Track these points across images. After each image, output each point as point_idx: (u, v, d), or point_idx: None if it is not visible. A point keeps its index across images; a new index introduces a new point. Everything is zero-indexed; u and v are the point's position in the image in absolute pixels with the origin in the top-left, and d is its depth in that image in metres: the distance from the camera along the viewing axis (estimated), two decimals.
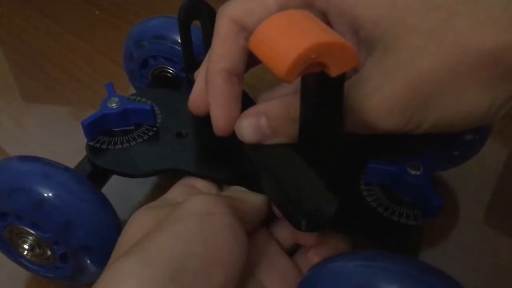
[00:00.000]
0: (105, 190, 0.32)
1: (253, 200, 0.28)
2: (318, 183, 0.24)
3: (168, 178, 0.36)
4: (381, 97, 0.22)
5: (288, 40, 0.18)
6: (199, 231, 0.23)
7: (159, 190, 0.38)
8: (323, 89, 0.21)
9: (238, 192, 0.29)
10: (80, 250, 0.28)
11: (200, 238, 0.23)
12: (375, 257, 0.22)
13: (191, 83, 0.32)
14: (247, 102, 0.29)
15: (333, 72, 0.19)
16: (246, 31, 0.27)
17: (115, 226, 0.29)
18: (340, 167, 0.28)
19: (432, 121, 0.22)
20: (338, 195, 0.23)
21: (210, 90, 0.27)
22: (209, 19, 0.31)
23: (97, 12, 0.60)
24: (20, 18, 0.60)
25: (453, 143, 0.33)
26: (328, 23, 0.25)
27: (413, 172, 0.27)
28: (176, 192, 0.29)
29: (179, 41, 0.35)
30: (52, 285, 0.33)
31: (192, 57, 0.32)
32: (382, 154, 0.29)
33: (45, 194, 0.27)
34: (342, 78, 0.20)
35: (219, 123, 0.27)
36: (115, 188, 0.34)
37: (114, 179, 0.33)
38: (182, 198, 0.28)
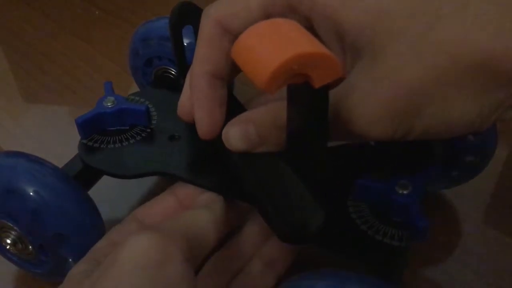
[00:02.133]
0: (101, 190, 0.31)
1: (204, 229, 0.25)
2: (306, 194, 0.23)
3: (160, 180, 0.36)
4: (369, 106, 0.22)
5: (269, 50, 0.18)
6: None
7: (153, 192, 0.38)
8: (307, 99, 0.21)
9: (187, 219, 0.25)
10: (54, 239, 0.28)
11: None
12: (349, 279, 0.21)
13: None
14: (236, 107, 0.29)
15: (316, 83, 0.19)
16: (230, 33, 0.26)
17: (90, 218, 0.29)
18: (328, 179, 0.27)
19: (420, 129, 0.22)
20: (323, 209, 0.23)
21: (194, 93, 0.27)
22: None
23: (97, 12, 0.60)
24: (20, 18, 0.60)
25: (452, 163, 0.32)
26: (313, 29, 0.25)
27: (400, 191, 0.26)
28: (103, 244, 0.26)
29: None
30: (49, 284, 0.33)
31: (185, 62, 0.32)
32: (374, 170, 0.28)
33: (15, 184, 0.27)
34: (326, 88, 0.20)
35: (203, 126, 0.27)
36: (111, 188, 0.34)
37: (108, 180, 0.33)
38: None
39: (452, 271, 0.33)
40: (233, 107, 0.28)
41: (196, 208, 0.26)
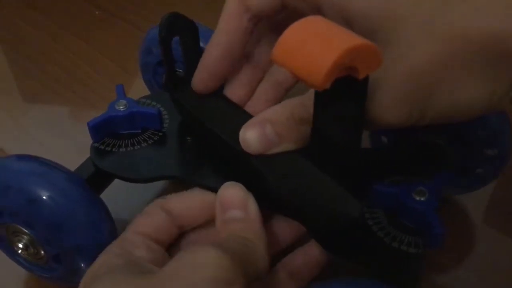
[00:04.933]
0: (111, 193, 0.31)
1: (259, 258, 0.24)
2: (337, 188, 0.23)
3: (173, 184, 0.36)
4: (382, 91, 0.22)
5: (319, 47, 0.18)
6: None
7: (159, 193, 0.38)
8: (349, 92, 0.21)
9: (243, 247, 0.24)
10: (72, 251, 0.28)
11: None
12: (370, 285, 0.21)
13: (174, 102, 0.32)
14: (242, 114, 0.29)
15: (361, 74, 0.19)
16: (250, 11, 0.27)
17: (108, 228, 0.29)
18: (359, 172, 0.26)
19: (434, 112, 0.22)
20: (358, 199, 0.23)
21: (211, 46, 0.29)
22: (191, 33, 0.30)
23: (97, 12, 0.60)
24: (20, 18, 0.60)
25: (472, 161, 0.32)
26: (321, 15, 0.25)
27: (417, 198, 0.26)
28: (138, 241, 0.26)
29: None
30: (52, 286, 0.33)
31: (175, 74, 0.32)
32: (390, 176, 0.28)
33: (38, 193, 0.27)
34: (367, 79, 0.20)
35: (207, 69, 0.29)
36: (121, 190, 0.34)
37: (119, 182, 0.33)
38: (151, 254, 0.25)
39: (453, 271, 0.33)
40: (240, 115, 0.28)
41: (254, 236, 0.25)
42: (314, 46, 0.18)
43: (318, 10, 0.25)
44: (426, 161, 0.30)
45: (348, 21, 0.24)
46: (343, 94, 0.21)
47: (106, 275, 0.22)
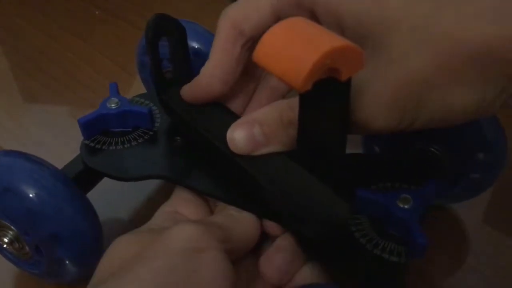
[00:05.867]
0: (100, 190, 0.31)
1: (244, 227, 0.26)
2: (325, 189, 0.23)
3: (163, 184, 0.36)
4: (373, 97, 0.22)
5: (300, 48, 0.18)
6: (184, 269, 0.21)
7: (153, 199, 0.38)
8: (331, 93, 0.20)
9: (228, 217, 0.27)
10: (49, 239, 0.28)
11: (184, 277, 0.21)
12: None
13: (162, 103, 0.32)
14: (230, 116, 0.29)
15: (344, 76, 0.19)
16: (244, 36, 0.27)
17: (86, 216, 0.29)
18: (340, 179, 0.26)
19: (425, 117, 0.22)
20: (346, 200, 0.23)
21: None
22: (178, 35, 0.30)
23: (97, 12, 0.60)
24: (20, 18, 0.60)
25: (457, 179, 0.32)
26: (317, 22, 0.25)
27: (401, 205, 0.25)
28: (159, 219, 0.28)
29: (197, 50, 0.35)
30: (52, 285, 0.33)
31: (162, 76, 0.31)
32: (380, 182, 0.28)
33: (12, 183, 0.27)
34: (349, 81, 0.20)
35: (213, 74, 0.28)
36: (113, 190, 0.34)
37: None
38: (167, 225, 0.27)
39: (453, 271, 0.33)
40: (229, 117, 0.28)
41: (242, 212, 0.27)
42: (295, 47, 0.18)
43: (314, 19, 0.24)
44: (418, 168, 0.30)
45: (341, 26, 0.24)
46: (326, 96, 0.21)
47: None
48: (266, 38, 0.19)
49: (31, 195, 0.27)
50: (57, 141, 0.44)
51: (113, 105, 0.32)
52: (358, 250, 0.25)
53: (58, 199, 0.28)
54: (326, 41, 0.18)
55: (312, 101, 0.21)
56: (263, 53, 0.19)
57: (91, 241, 0.29)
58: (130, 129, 0.32)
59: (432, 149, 0.31)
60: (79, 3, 0.62)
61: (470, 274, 0.32)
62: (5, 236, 0.30)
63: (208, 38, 0.36)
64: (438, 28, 0.20)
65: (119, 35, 0.56)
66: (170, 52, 0.31)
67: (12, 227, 0.29)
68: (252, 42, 0.27)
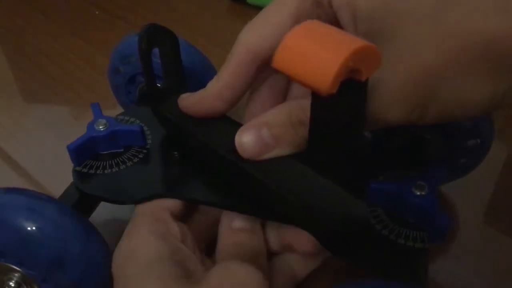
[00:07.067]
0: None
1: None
2: (339, 190, 0.23)
3: None
4: (384, 90, 0.22)
5: (323, 52, 0.18)
6: None
7: None
8: (351, 95, 0.20)
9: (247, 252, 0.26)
10: (72, 286, 0.26)
11: None
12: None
13: (157, 114, 0.31)
14: (231, 123, 0.28)
15: (364, 76, 0.19)
16: (259, 59, 0.26)
17: (105, 257, 0.27)
18: (352, 178, 0.26)
19: (435, 111, 0.22)
20: (361, 199, 0.23)
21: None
22: (171, 45, 0.30)
23: (97, 12, 0.60)
24: (20, 18, 0.60)
25: (456, 152, 0.32)
26: (337, 22, 0.25)
27: (418, 193, 0.25)
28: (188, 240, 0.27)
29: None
30: None
31: (155, 86, 0.30)
32: (384, 172, 0.28)
33: (29, 229, 0.25)
34: (367, 80, 0.20)
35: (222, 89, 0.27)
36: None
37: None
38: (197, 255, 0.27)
39: (453, 271, 0.33)
40: (232, 127, 0.27)
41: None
42: (317, 50, 0.18)
43: (333, 17, 0.25)
44: (413, 155, 0.30)
45: (355, 21, 0.24)
46: (345, 97, 0.20)
47: (152, 273, 0.24)
48: (286, 43, 0.19)
49: (55, 242, 0.26)
50: (57, 141, 0.44)
51: (101, 127, 0.30)
52: (382, 243, 0.25)
53: (81, 242, 0.26)
54: (347, 42, 0.18)
55: (329, 102, 0.21)
56: (283, 58, 0.19)
57: (103, 264, 0.27)
58: (122, 149, 0.31)
59: (425, 135, 0.31)
60: (79, 3, 0.62)
61: (470, 274, 0.32)
62: (10, 280, 0.27)
63: (187, 49, 0.34)
64: (446, 23, 0.21)
65: (119, 35, 0.56)
66: (162, 62, 0.30)
67: (20, 270, 0.26)
68: (265, 64, 0.26)
